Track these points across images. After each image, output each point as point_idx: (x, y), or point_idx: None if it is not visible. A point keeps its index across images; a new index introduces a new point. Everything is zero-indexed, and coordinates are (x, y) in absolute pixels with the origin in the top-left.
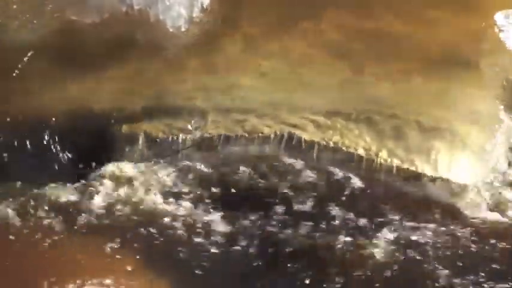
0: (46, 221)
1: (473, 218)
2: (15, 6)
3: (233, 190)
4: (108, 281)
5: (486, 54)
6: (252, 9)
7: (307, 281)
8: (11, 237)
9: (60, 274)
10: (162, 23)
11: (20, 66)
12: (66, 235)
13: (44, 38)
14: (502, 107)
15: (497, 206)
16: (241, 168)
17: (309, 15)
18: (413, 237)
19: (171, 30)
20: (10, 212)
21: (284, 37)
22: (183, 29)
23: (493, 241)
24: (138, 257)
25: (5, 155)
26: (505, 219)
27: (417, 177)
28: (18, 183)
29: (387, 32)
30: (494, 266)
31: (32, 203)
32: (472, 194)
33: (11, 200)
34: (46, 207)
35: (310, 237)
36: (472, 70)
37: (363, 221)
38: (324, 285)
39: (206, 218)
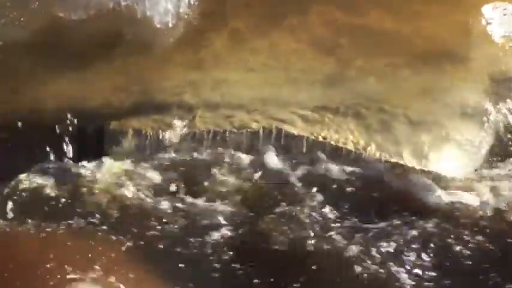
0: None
1: (461, 210)
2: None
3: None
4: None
5: (473, 47)
6: (239, 4)
7: (295, 278)
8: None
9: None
10: (149, 19)
11: (5, 64)
12: (52, 230)
13: (30, 35)
14: (489, 99)
15: (485, 198)
16: None
17: (296, 11)
18: (406, 234)
19: (158, 26)
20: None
21: (272, 32)
22: (170, 25)
23: (482, 234)
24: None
25: None
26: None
27: (405, 170)
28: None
29: (374, 26)
30: (482, 258)
31: (17, 199)
32: (460, 186)
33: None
34: (29, 204)
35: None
36: (460, 63)
37: (354, 218)
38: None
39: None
